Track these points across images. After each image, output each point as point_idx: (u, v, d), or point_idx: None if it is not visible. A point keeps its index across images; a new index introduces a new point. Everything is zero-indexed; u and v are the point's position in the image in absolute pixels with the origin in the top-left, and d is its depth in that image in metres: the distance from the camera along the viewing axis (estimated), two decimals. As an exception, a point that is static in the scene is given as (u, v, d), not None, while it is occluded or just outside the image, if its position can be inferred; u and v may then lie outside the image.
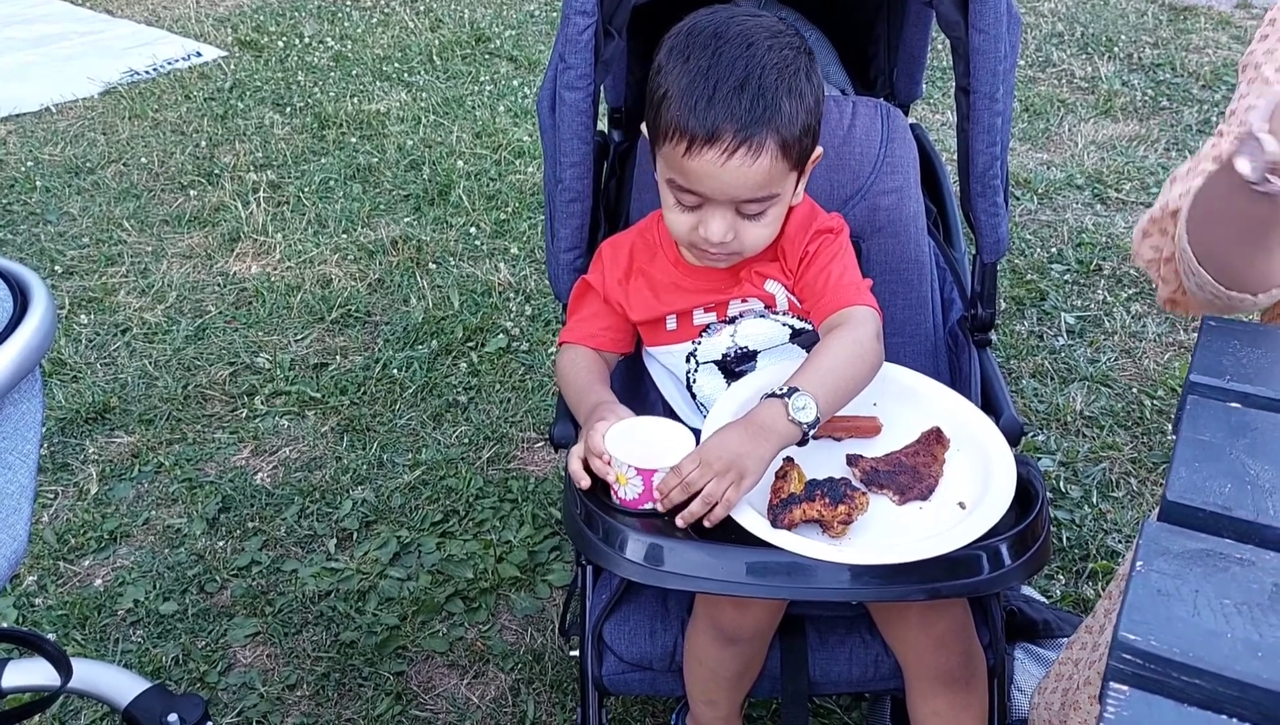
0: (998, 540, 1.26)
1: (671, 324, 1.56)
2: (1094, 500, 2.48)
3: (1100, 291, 3.24)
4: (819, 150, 1.46)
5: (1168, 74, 4.68)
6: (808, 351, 1.53)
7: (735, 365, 1.55)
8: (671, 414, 1.63)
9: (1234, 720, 0.70)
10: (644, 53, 2.03)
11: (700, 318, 1.55)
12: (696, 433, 1.39)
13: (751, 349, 1.54)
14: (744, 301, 1.53)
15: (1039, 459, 2.59)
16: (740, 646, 1.48)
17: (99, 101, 4.49)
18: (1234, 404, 0.98)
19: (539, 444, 2.68)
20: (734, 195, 1.37)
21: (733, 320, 1.54)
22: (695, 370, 1.55)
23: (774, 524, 1.25)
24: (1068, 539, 2.38)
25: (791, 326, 1.55)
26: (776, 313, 1.55)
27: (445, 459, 2.61)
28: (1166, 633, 0.76)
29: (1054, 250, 3.44)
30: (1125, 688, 0.72)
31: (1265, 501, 0.88)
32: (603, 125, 2.03)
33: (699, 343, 1.55)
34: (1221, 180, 1.16)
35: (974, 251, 1.74)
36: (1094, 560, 2.32)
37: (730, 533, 1.27)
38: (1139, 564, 0.82)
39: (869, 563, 1.23)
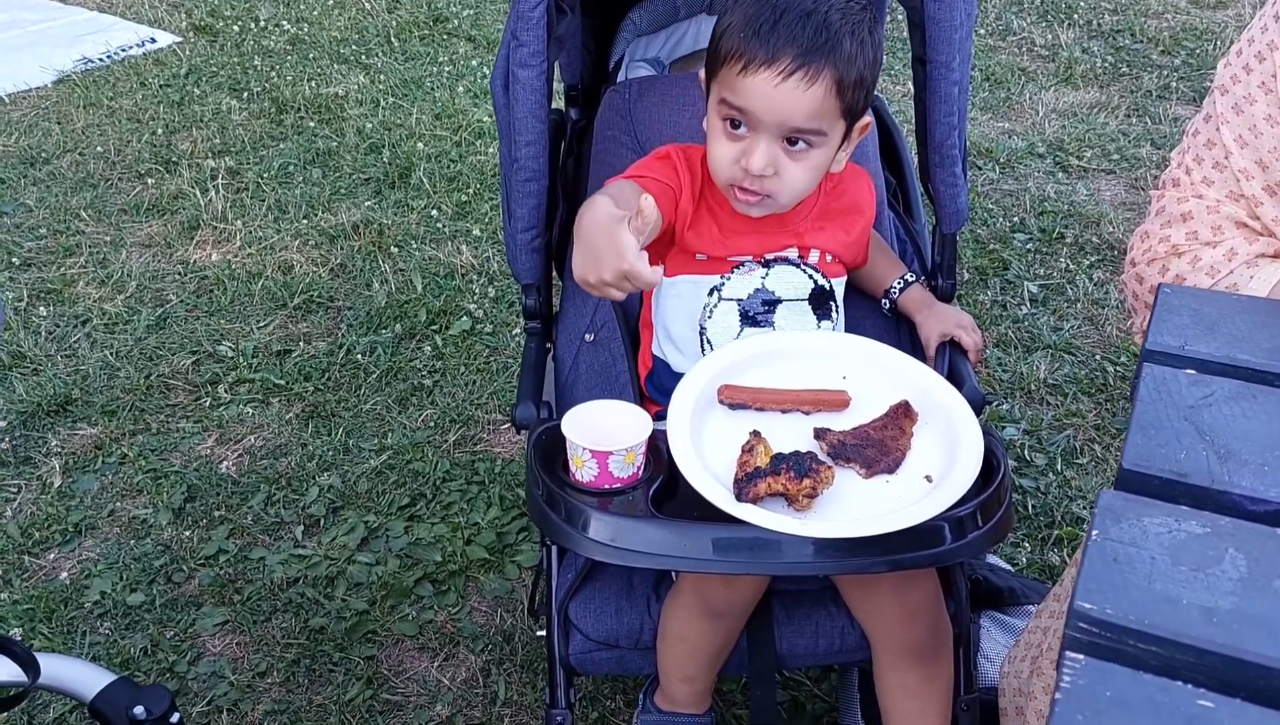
0: (960, 510, 1.26)
1: (702, 256, 1.55)
2: (1058, 467, 2.50)
3: (1063, 259, 3.26)
4: (869, 119, 1.50)
5: (1127, 40, 4.70)
6: (816, 313, 1.57)
7: (755, 311, 1.55)
8: (648, 392, 1.63)
9: (1189, 686, 0.71)
10: (599, 29, 2.02)
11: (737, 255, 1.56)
12: (662, 413, 1.39)
13: (776, 296, 1.55)
14: (785, 248, 1.56)
15: (1003, 428, 2.60)
16: (725, 621, 1.48)
17: (53, 90, 4.41)
18: (1190, 371, 0.99)
19: (505, 426, 2.67)
20: (784, 119, 1.38)
21: (768, 263, 1.55)
22: (715, 305, 1.55)
23: (738, 497, 1.25)
24: (1033, 507, 2.40)
25: (815, 281, 1.57)
26: (808, 264, 1.56)
27: (411, 443, 2.60)
28: (1122, 601, 0.76)
29: (1016, 219, 3.46)
30: (1081, 656, 0.73)
31: (1220, 468, 0.89)
32: (560, 104, 2.02)
33: (728, 278, 1.54)
34: None
35: (934, 223, 1.74)
36: (1059, 527, 2.34)
37: (695, 507, 1.26)
38: (1095, 533, 0.82)
39: (832, 536, 1.23)
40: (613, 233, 1.19)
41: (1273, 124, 1.27)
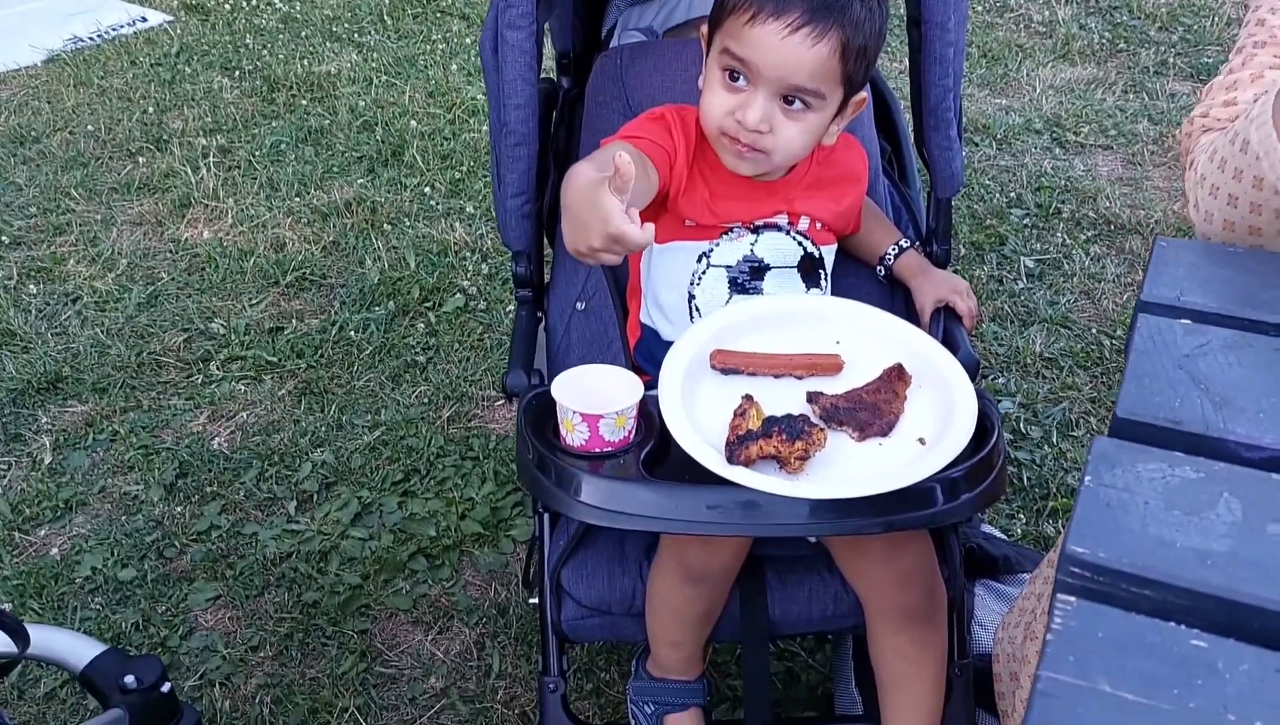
0: (953, 472, 1.25)
1: (691, 221, 1.53)
2: (1054, 440, 2.49)
3: (1059, 234, 3.24)
4: (865, 95, 1.49)
5: (1125, 16, 4.67)
6: (805, 281, 1.56)
7: (743, 277, 1.53)
8: (637, 361, 1.62)
9: (1182, 627, 0.70)
10: (590, -6, 2.00)
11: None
12: (653, 381, 1.37)
13: (765, 263, 1.54)
14: (775, 215, 1.55)
15: (999, 401, 2.59)
16: (706, 586, 1.47)
17: (43, 70, 4.38)
18: (1185, 321, 0.98)
19: (499, 402, 2.66)
20: (785, 75, 1.37)
21: (757, 229, 1.54)
22: (704, 272, 1.53)
23: (730, 460, 1.24)
24: (1028, 479, 2.39)
25: (804, 249, 1.56)
26: (797, 231, 1.55)
27: (405, 419, 2.58)
28: (1115, 545, 0.75)
29: (1013, 195, 3.44)
30: (1073, 598, 0.72)
31: (1215, 415, 0.88)
32: (553, 74, 2.00)
33: (717, 244, 1.53)
34: None
35: (929, 189, 1.73)
36: (1054, 499, 2.33)
37: (686, 471, 1.25)
38: (1088, 479, 0.81)
39: (823, 497, 1.22)
40: (595, 198, 1.16)
41: None
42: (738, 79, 1.40)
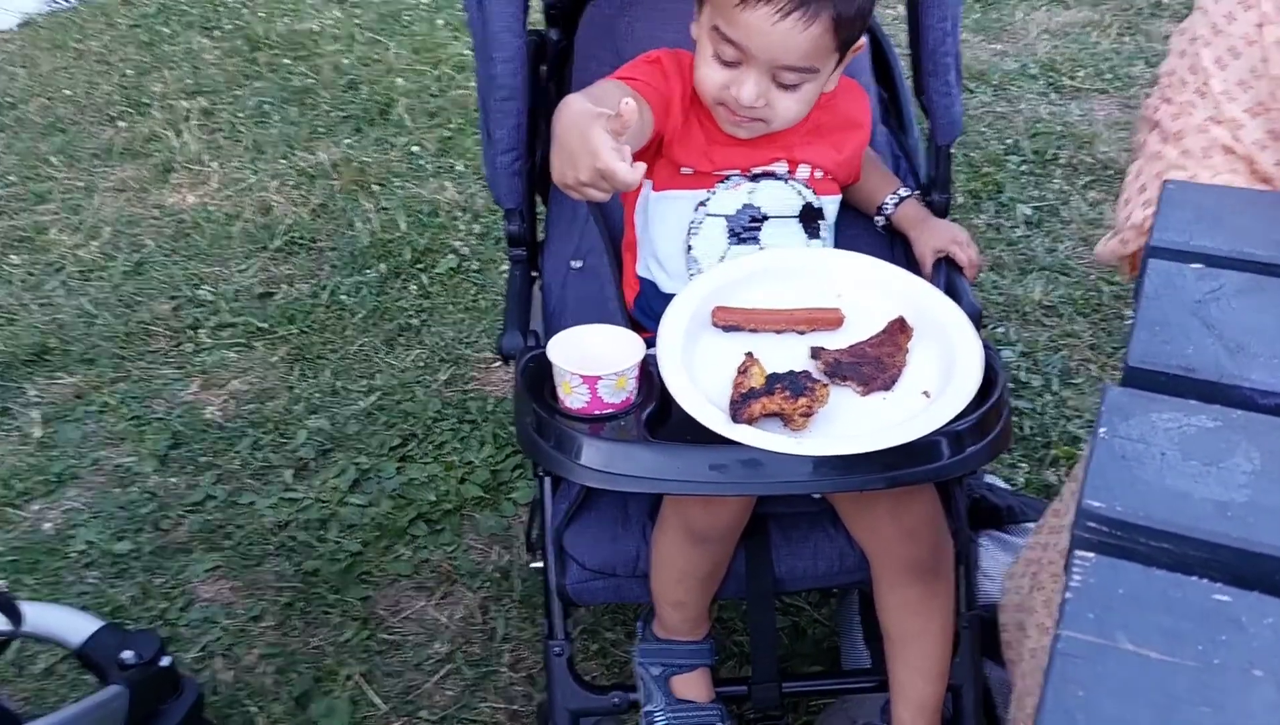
0: (958, 425, 1.23)
1: (688, 169, 1.51)
2: (1055, 388, 2.48)
3: (1057, 181, 3.21)
4: (863, 40, 1.46)
5: (1118, -43, 4.60)
6: (806, 232, 1.53)
7: (741, 228, 1.50)
8: (635, 317, 1.59)
9: (1204, 581, 0.68)
10: (576, -57, 1.94)
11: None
12: (650, 339, 1.35)
13: (763, 213, 1.51)
14: (773, 162, 1.52)
15: (999, 351, 2.57)
16: (710, 546, 1.45)
17: (17, 34, 4.31)
18: (1196, 265, 0.95)
19: (496, 364, 2.63)
20: (776, 57, 1.35)
21: (755, 177, 1.51)
22: (701, 221, 1.50)
23: (733, 419, 1.22)
24: (1030, 427, 2.38)
25: (804, 198, 1.53)
26: (795, 180, 1.52)
27: (401, 383, 2.56)
28: (1132, 498, 0.73)
29: (1009, 141, 3.40)
30: (1091, 554, 0.70)
31: (1230, 362, 0.85)
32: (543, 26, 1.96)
33: (714, 193, 1.50)
34: None
35: (928, 137, 1.69)
36: (1056, 447, 2.32)
37: (688, 431, 1.23)
38: (1102, 430, 0.78)
39: (828, 453, 1.20)
40: (587, 131, 1.13)
41: (1249, 43, 1.22)
42: (729, 56, 1.38)
